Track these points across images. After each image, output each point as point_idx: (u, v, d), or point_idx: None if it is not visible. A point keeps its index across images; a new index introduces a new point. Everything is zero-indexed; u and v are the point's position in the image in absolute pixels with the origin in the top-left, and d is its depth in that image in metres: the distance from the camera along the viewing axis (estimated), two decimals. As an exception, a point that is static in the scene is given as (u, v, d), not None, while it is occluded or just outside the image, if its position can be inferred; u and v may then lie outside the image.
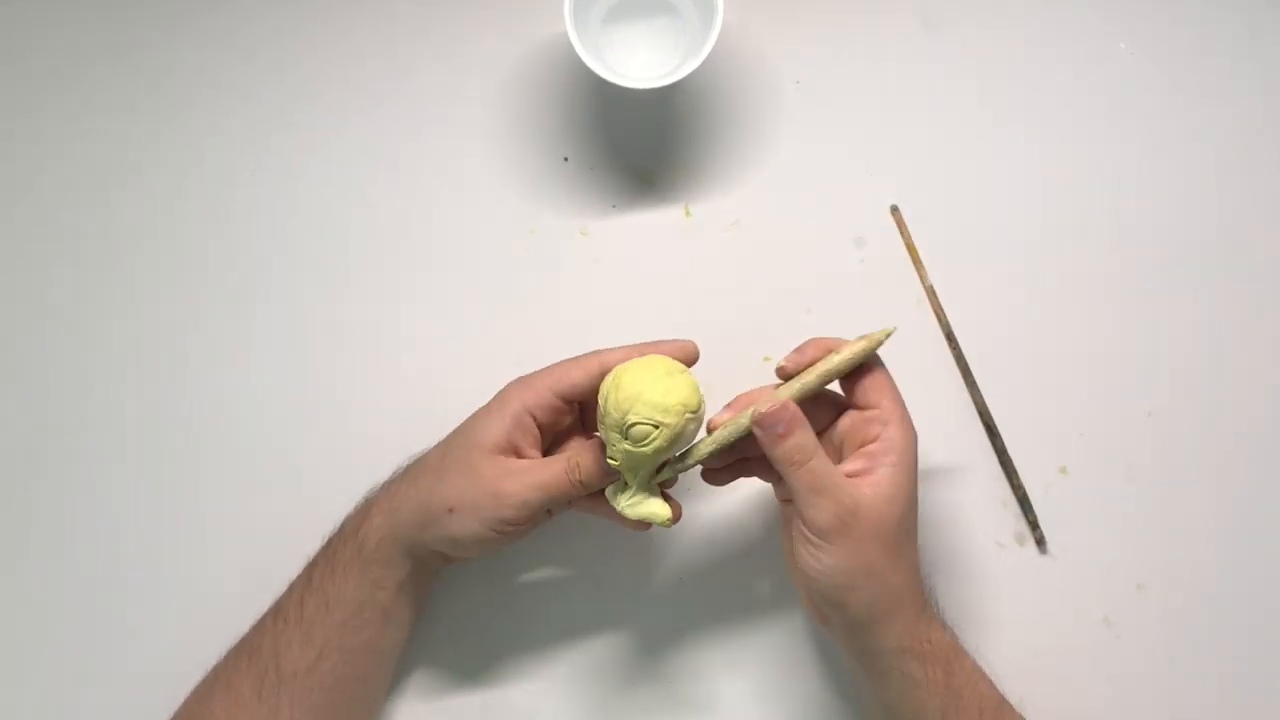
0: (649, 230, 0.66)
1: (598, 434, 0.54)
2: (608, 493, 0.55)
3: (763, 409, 0.52)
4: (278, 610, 0.57)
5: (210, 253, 0.66)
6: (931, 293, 0.65)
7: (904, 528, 0.52)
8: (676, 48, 0.65)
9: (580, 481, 0.54)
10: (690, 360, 0.55)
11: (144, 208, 0.67)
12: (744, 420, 0.53)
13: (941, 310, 0.65)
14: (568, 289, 0.66)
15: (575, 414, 0.59)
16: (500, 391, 0.56)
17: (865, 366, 0.54)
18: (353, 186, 0.67)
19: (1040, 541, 0.64)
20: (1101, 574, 0.64)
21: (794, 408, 0.52)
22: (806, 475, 0.51)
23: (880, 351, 0.55)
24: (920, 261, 0.65)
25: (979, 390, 0.65)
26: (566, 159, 0.67)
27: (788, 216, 0.66)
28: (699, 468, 0.55)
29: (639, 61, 0.65)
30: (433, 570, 0.60)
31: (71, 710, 0.64)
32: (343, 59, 0.67)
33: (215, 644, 0.59)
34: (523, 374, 0.57)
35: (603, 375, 0.53)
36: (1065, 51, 0.67)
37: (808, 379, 0.54)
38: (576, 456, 0.54)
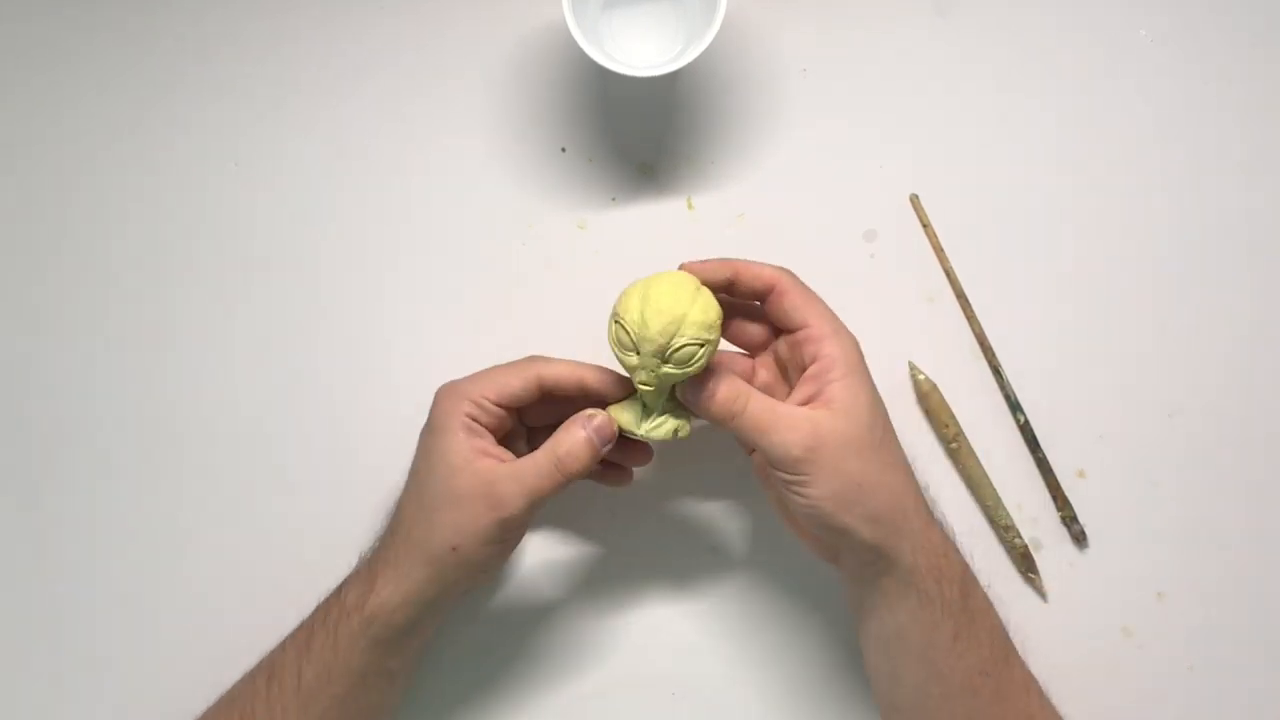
0: (650, 223, 0.65)
1: (584, 414, 0.54)
2: (625, 423, 0.54)
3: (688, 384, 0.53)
4: (271, 673, 0.55)
5: (195, 248, 0.65)
6: (961, 294, 0.64)
7: (875, 434, 0.52)
8: (678, 34, 0.64)
9: (574, 473, 0.53)
10: None
11: (134, 203, 0.66)
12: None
13: (970, 306, 0.64)
14: (566, 285, 0.65)
15: (515, 418, 0.57)
16: (435, 409, 0.55)
17: (775, 288, 0.54)
18: (343, 178, 0.66)
19: (1079, 537, 0.63)
20: (1121, 581, 0.63)
21: (711, 368, 0.53)
22: (749, 421, 0.51)
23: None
24: (943, 251, 0.63)
25: (1009, 384, 0.63)
26: (564, 150, 0.66)
27: (795, 209, 0.65)
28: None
29: (639, 48, 0.65)
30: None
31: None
32: (332, 47, 0.66)
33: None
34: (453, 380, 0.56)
35: (540, 387, 0.55)
36: (1083, 38, 0.66)
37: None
38: (564, 447, 0.53)
